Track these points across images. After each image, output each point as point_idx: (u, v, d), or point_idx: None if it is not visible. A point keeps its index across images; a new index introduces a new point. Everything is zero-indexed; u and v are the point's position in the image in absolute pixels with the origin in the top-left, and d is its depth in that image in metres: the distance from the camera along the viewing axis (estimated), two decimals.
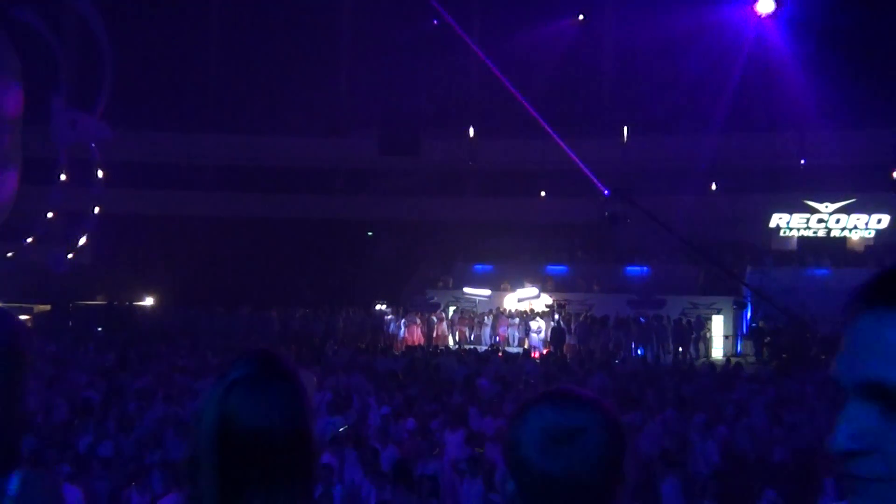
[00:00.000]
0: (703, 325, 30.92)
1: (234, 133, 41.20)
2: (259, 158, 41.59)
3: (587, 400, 1.69)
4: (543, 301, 33.35)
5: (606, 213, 31.34)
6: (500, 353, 25.71)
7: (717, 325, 32.01)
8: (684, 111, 37.57)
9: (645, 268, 36.35)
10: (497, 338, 32.01)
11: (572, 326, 30.76)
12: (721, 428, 13.25)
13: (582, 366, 22.21)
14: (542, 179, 40.43)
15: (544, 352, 28.92)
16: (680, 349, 29.47)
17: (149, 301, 36.76)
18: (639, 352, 29.45)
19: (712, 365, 23.54)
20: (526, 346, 30.32)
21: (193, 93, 41.41)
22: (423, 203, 40.55)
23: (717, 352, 31.19)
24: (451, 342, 32.82)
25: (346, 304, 34.63)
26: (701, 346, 30.26)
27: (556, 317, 31.24)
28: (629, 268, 36.60)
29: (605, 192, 33.64)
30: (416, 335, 31.89)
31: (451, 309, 34.30)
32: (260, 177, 42.09)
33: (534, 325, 31.23)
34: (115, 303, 34.49)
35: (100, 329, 31.92)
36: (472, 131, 40.48)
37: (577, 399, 1.69)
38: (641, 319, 30.24)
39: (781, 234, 37.52)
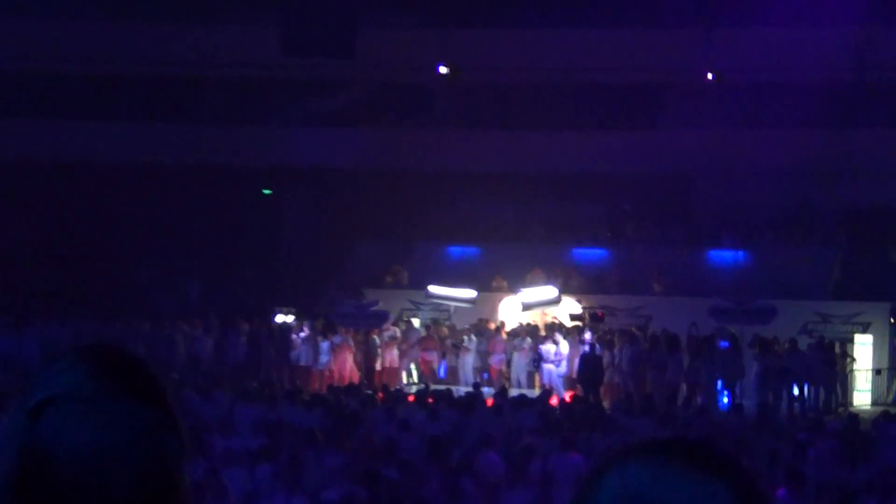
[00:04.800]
0: (839, 350, 31.20)
1: (31, 18, 40.78)
2: (76, 60, 41.16)
3: (704, 456, 1.72)
4: (566, 309, 33.52)
5: None
6: (488, 399, 25.77)
7: (864, 353, 32.31)
8: None
9: (740, 253, 36.69)
10: (487, 372, 32.12)
11: (616, 352, 30.96)
12: None
13: (632, 418, 22.33)
14: (563, 100, 40.48)
15: (567, 397, 29.03)
16: (798, 391, 29.74)
17: None
18: (726, 395, 29.75)
19: (853, 418, 23.77)
20: (538, 387, 30.46)
21: None
22: (359, 138, 40.50)
23: (864, 396, 31.56)
24: (405, 379, 32.93)
25: (225, 313, 34.61)
26: (837, 386, 30.50)
27: (588, 336, 31.36)
28: (714, 253, 36.98)
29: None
30: (348, 366, 31.96)
31: (409, 322, 34.46)
32: (74, 91, 41.71)
33: (550, 348, 31.35)
34: None
35: None
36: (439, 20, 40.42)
37: (687, 454, 1.72)
38: (723, 343, 30.54)
39: None
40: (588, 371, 29.76)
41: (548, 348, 31.39)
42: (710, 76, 37.97)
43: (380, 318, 33.11)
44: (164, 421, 1.95)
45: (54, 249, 38.65)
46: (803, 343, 30.86)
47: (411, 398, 25.69)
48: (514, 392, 28.65)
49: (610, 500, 1.69)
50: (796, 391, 29.81)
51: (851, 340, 32.27)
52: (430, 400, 24.50)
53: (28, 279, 36.87)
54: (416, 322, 34.60)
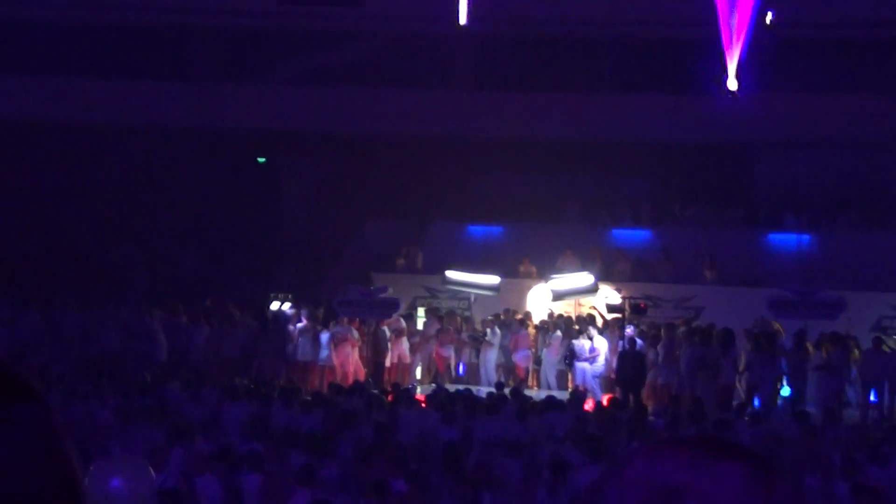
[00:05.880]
0: None
1: None
2: (45, 7, 41.21)
3: (714, 448, 2.03)
4: (604, 298, 33.46)
5: None
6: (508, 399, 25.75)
7: None
8: None
9: (805, 236, 36.66)
10: (512, 371, 32.17)
11: (660, 349, 30.89)
12: None
13: (678, 425, 22.26)
14: (603, 56, 40.40)
15: (604, 399, 28.97)
16: (874, 394, 29.66)
17: None
18: (788, 399, 29.65)
19: None
20: (571, 389, 30.40)
21: None
22: (367, 99, 40.45)
23: None
24: (420, 375, 33.03)
25: (211, 300, 34.66)
26: None
27: (629, 330, 31.29)
28: (775, 236, 37.01)
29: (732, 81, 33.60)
30: (353, 362, 32.02)
31: (422, 312, 34.49)
32: (40, 42, 41.75)
33: (584, 344, 31.32)
34: None
35: None
36: None
37: (701, 446, 2.05)
38: (781, 342, 30.43)
39: None
40: (628, 370, 29.69)
41: (581, 344, 31.30)
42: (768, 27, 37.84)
43: (389, 307, 32.98)
44: (53, 423, 2.06)
45: (19, 224, 38.70)
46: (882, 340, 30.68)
47: (421, 398, 25.70)
48: (542, 393, 28.65)
49: (616, 492, 2.03)
50: (872, 396, 29.78)
51: None
52: (445, 401, 24.47)
53: None
54: (420, 312, 34.50)
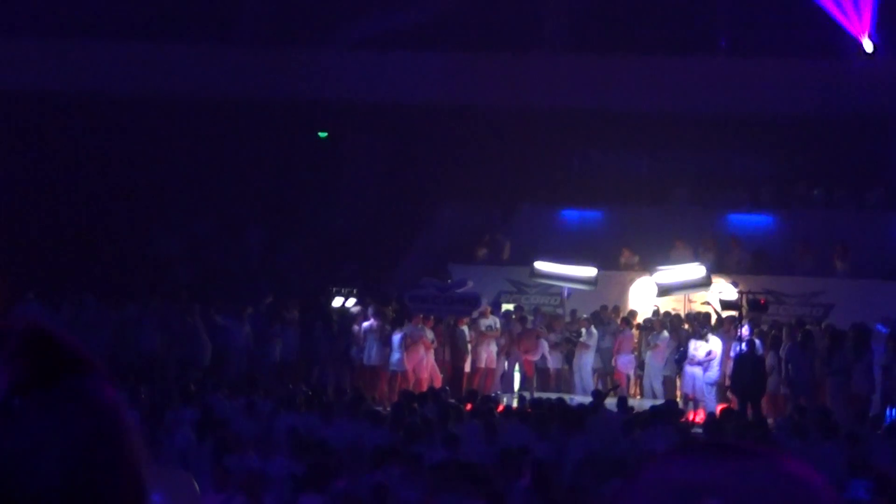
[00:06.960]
0: None
1: None
2: None
3: (744, 449, 2.17)
4: (718, 294, 33.28)
5: None
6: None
7: None
8: None
9: None
10: (611, 377, 32.20)
11: (783, 351, 30.71)
12: None
13: (804, 439, 22.09)
14: (713, 17, 40.29)
15: (718, 409, 28.85)
16: None
17: None
18: None
19: None
20: (679, 397, 30.33)
21: None
22: (443, 66, 40.45)
23: None
24: (500, 384, 32.94)
25: (268, 294, 34.86)
26: None
27: (745, 330, 31.11)
28: None
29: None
30: (427, 367, 32.02)
31: (509, 308, 34.46)
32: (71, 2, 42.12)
33: (700, 348, 31.19)
34: None
35: None
36: None
37: (729, 448, 2.19)
38: None
39: None
40: (746, 376, 29.45)
41: (695, 346, 31.10)
42: None
43: (469, 304, 32.91)
44: (109, 412, 2.14)
45: (52, 210, 38.97)
46: None
47: (500, 408, 25.66)
48: (645, 403, 28.51)
49: (642, 489, 2.18)
50: None
51: None
52: (532, 411, 24.42)
53: (19, 248, 37.20)
54: (508, 307, 34.45)
